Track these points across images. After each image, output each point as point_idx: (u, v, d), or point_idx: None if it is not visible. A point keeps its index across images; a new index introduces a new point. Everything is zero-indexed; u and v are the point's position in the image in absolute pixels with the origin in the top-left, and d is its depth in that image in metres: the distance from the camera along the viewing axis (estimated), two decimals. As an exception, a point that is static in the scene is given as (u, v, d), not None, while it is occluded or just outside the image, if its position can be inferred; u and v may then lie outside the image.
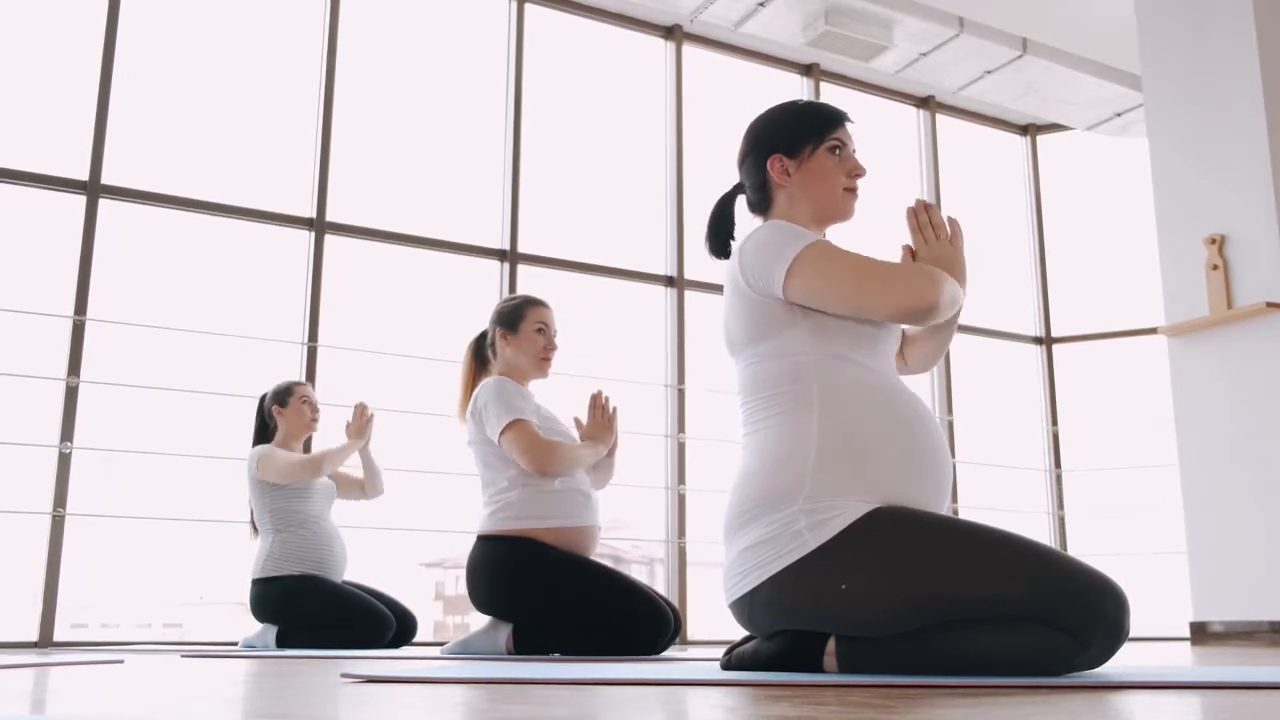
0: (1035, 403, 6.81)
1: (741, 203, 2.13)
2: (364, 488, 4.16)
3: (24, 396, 4.30)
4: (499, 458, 3.26)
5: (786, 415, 1.85)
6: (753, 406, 1.92)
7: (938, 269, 1.89)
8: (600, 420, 3.40)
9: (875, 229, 2.43)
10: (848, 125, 2.05)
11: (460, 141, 5.51)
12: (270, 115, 5.10)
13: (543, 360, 3.43)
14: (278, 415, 4.06)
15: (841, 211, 2.02)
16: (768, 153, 2.02)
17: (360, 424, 4.05)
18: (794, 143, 2.00)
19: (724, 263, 2.06)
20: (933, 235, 1.98)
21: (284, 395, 4.09)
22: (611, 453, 3.43)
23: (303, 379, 4.61)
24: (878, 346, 1.92)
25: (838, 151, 2.00)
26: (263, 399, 4.12)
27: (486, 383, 3.33)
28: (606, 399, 3.44)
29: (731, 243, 2.08)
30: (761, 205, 2.06)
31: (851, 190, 2.02)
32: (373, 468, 4.15)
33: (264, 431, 4.10)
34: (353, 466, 4.15)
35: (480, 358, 3.52)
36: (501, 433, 3.20)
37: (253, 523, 4.01)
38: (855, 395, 1.84)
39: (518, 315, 3.44)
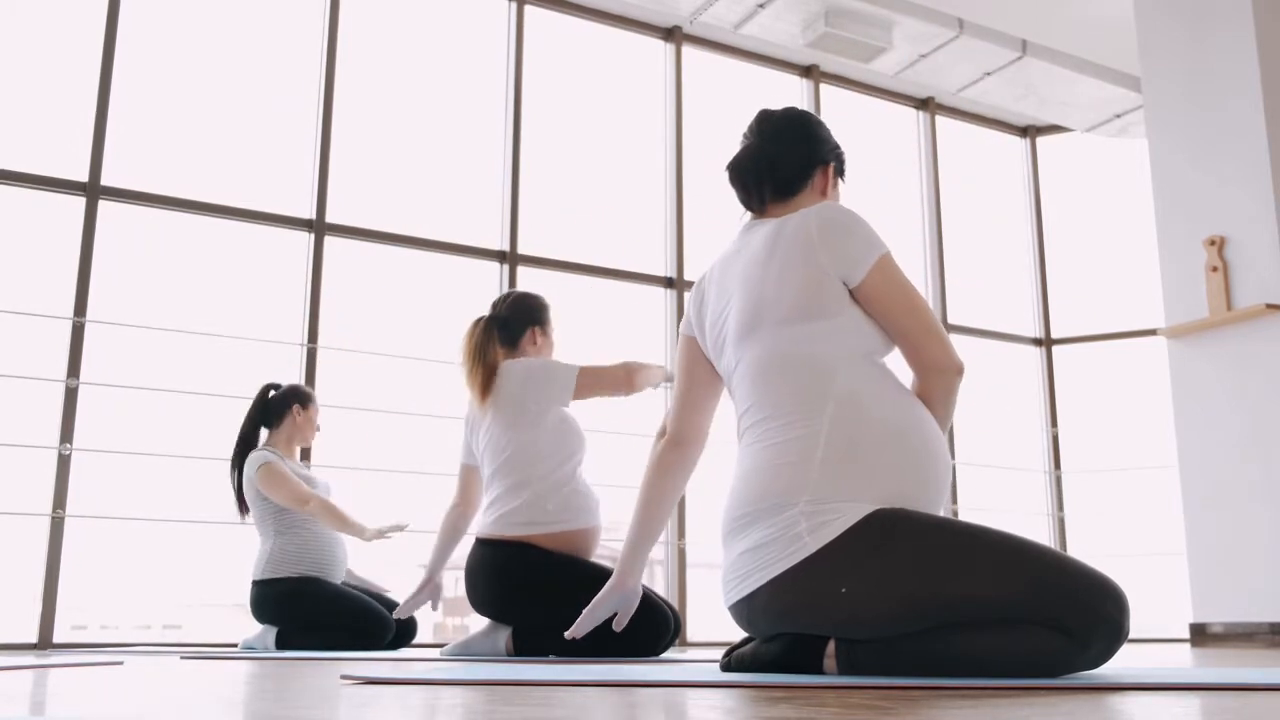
0: (1035, 404, 6.81)
1: None
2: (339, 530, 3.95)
3: (23, 398, 4.30)
4: (523, 449, 3.25)
5: (796, 422, 1.82)
6: (759, 397, 1.88)
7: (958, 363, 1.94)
8: None
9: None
10: None
11: (460, 143, 5.51)
12: (270, 116, 5.10)
13: None
14: (297, 414, 4.03)
15: None
16: (825, 160, 2.10)
17: (383, 536, 3.81)
18: (841, 167, 2.15)
19: (757, 226, 2.01)
20: None
21: (307, 400, 4.07)
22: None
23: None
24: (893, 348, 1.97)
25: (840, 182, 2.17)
26: (276, 388, 4.06)
27: (527, 361, 3.31)
28: None
29: (778, 201, 2.05)
30: (785, 190, 2.04)
31: None
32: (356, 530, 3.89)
33: (263, 416, 4.04)
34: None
35: (497, 339, 3.35)
36: (578, 375, 3.27)
37: (239, 501, 3.96)
38: (867, 403, 1.82)
39: (548, 317, 3.44)
